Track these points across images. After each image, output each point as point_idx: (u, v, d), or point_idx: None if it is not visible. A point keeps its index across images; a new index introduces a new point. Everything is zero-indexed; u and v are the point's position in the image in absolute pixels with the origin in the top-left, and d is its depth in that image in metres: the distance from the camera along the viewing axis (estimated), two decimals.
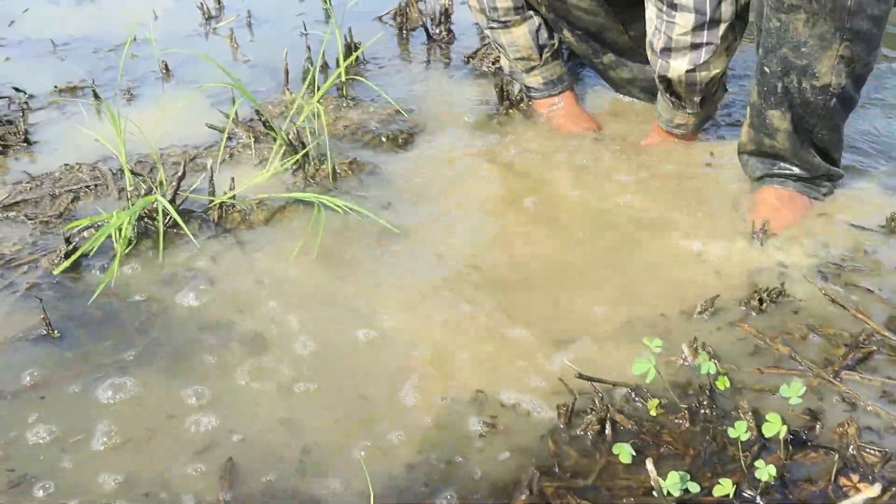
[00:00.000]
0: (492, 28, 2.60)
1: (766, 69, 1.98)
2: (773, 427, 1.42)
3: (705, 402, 1.60)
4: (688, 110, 2.34)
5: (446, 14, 3.32)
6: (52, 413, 1.64)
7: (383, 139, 2.56)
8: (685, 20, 2.12)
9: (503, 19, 2.55)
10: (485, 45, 3.11)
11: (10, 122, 2.75)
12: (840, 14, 1.81)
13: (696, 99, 2.29)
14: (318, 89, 2.45)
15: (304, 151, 2.34)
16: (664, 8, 2.15)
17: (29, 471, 1.53)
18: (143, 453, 1.56)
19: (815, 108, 1.97)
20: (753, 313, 1.84)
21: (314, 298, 1.93)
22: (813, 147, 2.08)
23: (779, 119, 2.03)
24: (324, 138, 2.38)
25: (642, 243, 2.09)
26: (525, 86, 2.69)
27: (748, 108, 2.13)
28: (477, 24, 3.38)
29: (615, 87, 2.76)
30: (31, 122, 2.76)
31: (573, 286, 1.95)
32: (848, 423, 1.53)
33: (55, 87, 3.02)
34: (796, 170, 2.12)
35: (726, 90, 2.41)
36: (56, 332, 1.84)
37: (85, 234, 2.16)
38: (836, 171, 2.15)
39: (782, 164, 2.13)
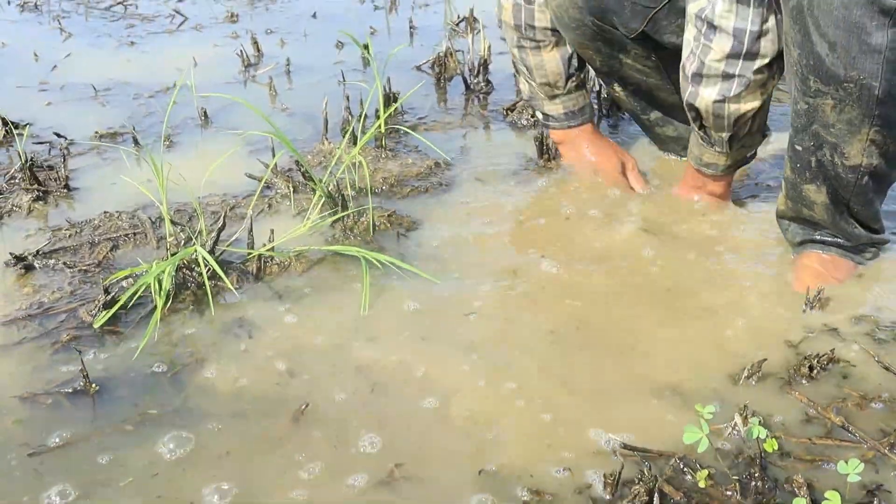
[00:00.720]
0: (521, 47, 2.51)
1: (798, 147, 1.95)
2: None
3: (756, 474, 1.55)
4: (716, 148, 2.25)
5: (484, 65, 3.33)
6: (77, 473, 1.61)
7: (422, 192, 2.55)
8: (721, 45, 2.04)
9: (538, 38, 2.47)
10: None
11: (50, 168, 2.77)
12: (868, 102, 1.76)
13: (724, 135, 2.18)
14: (358, 140, 2.44)
15: (349, 212, 2.33)
16: (703, 29, 2.06)
17: None
18: None
19: (848, 185, 1.94)
20: (803, 380, 1.79)
21: (356, 359, 1.90)
22: (852, 218, 2.04)
23: (815, 192, 2.00)
24: (364, 191, 2.38)
25: (683, 306, 2.05)
26: (543, 113, 2.62)
27: (783, 181, 2.09)
28: (515, 73, 3.38)
29: (659, 145, 2.73)
30: (71, 168, 2.77)
31: (613, 350, 1.91)
32: None
33: (96, 132, 3.04)
34: (838, 238, 2.08)
35: (765, 136, 2.33)
36: (94, 385, 1.83)
37: (124, 283, 2.15)
38: (880, 237, 2.11)
39: (823, 231, 2.09)
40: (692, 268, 2.18)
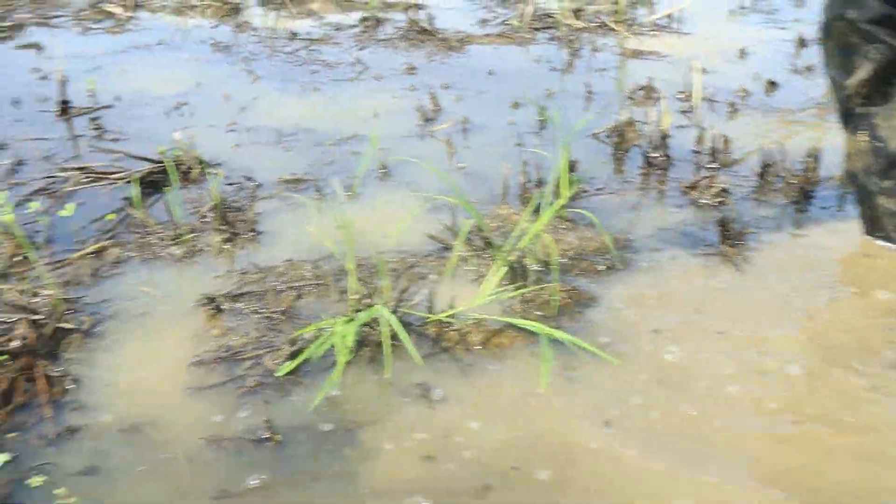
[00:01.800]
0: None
1: None
2: None
3: None
4: None
5: (664, 138, 3.28)
6: None
7: (601, 269, 2.52)
8: None
9: None
10: (705, 176, 3.04)
11: (238, 210, 2.88)
12: None
13: None
14: (539, 207, 2.44)
15: (532, 288, 2.33)
16: None
17: None
18: None
19: None
20: None
21: (535, 435, 1.89)
22: None
23: None
24: (544, 262, 2.37)
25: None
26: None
27: None
28: (696, 151, 3.33)
29: (871, 225, 2.58)
30: (257, 212, 2.88)
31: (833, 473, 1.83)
32: None
33: (280, 177, 3.15)
34: None
35: None
36: (278, 436, 1.87)
37: (304, 333, 2.20)
38: None
39: None
40: None
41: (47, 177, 3.11)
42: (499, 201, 2.92)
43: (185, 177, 3.08)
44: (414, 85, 4.21)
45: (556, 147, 3.11)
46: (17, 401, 2.01)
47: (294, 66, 4.53)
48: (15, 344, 2.13)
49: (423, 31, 5.15)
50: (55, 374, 2.09)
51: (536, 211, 2.64)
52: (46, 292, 2.37)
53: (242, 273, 2.52)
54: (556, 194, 2.67)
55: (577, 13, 5.31)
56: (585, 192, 3.03)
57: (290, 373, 2.09)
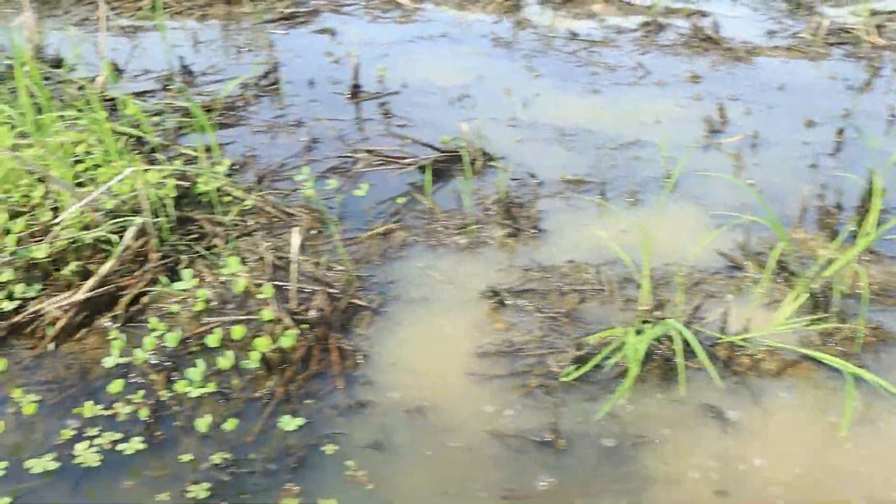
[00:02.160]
0: None
1: None
2: None
3: None
4: None
5: None
6: None
7: None
8: None
9: None
10: None
11: (520, 206, 2.88)
12: None
13: None
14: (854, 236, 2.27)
15: (844, 324, 2.18)
16: None
17: None
18: None
19: None
20: None
21: (860, 492, 1.75)
22: None
23: None
24: (850, 296, 2.20)
25: None
26: None
27: None
28: None
29: None
30: (539, 209, 2.86)
31: None
32: None
33: (562, 176, 3.12)
34: None
35: None
36: (562, 441, 1.84)
37: (590, 340, 2.16)
38: None
39: None
40: None
41: (340, 156, 3.25)
42: (794, 224, 2.74)
43: (470, 167, 3.12)
44: (699, 94, 4.07)
45: (858, 171, 2.90)
46: (313, 369, 2.10)
47: (574, 66, 4.50)
48: (313, 314, 2.22)
49: (707, 38, 4.97)
50: (347, 347, 2.17)
51: (834, 237, 2.46)
52: (339, 268, 2.47)
53: (525, 269, 2.51)
54: (862, 223, 2.48)
55: (879, 29, 4.94)
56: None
57: (575, 378, 2.05)
